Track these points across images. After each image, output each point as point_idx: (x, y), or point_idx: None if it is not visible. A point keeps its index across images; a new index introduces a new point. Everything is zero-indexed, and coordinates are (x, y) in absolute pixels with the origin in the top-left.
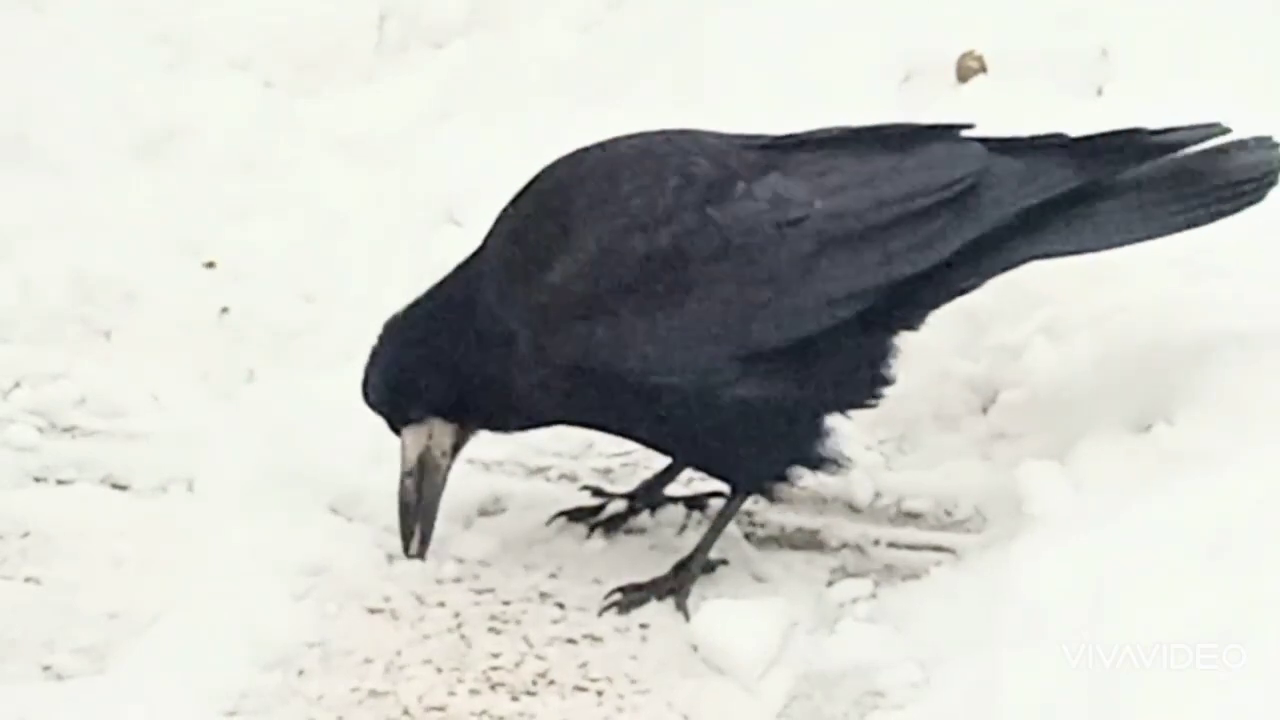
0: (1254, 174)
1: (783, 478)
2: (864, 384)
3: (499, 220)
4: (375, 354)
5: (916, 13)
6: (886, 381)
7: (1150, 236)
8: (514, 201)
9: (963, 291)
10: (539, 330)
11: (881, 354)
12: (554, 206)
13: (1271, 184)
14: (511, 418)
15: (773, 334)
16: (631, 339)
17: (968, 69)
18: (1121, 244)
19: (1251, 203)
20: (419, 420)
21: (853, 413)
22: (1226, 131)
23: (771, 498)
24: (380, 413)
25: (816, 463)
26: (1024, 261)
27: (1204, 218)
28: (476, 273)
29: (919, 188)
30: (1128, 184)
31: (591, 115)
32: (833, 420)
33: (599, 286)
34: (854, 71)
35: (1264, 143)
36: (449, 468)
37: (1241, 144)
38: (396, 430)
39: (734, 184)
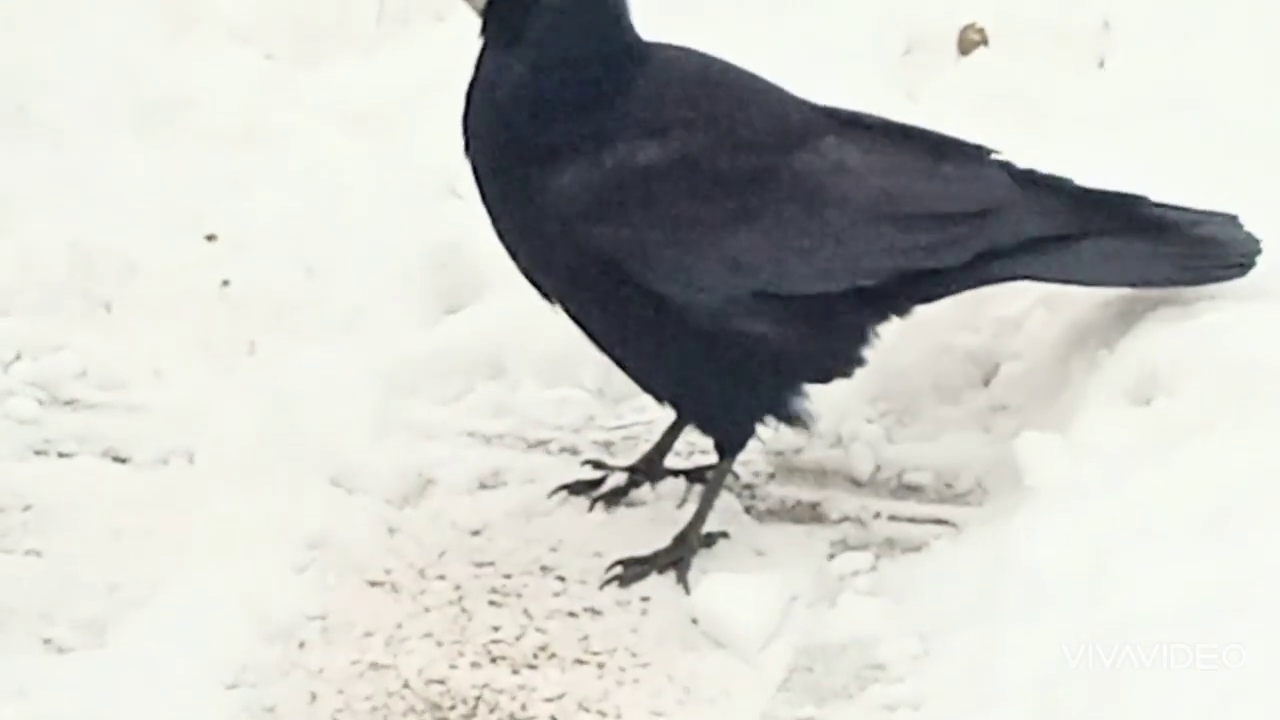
0: (1237, 256)
1: (752, 429)
2: (843, 357)
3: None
4: None
5: None
6: (861, 361)
7: (1134, 284)
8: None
9: (948, 295)
10: (600, 197)
11: (867, 334)
12: (671, 89)
13: (1250, 265)
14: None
15: (795, 284)
16: (682, 249)
17: (969, 41)
18: (1104, 285)
19: (1234, 277)
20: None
21: (816, 386)
22: (1234, 219)
23: (739, 448)
24: None
25: (788, 418)
26: (1012, 280)
27: (1189, 280)
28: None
29: (953, 195)
30: (1124, 231)
31: None
32: (807, 383)
33: (671, 186)
34: (855, 43)
35: (1233, 222)
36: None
37: (1214, 221)
38: None
39: (810, 137)
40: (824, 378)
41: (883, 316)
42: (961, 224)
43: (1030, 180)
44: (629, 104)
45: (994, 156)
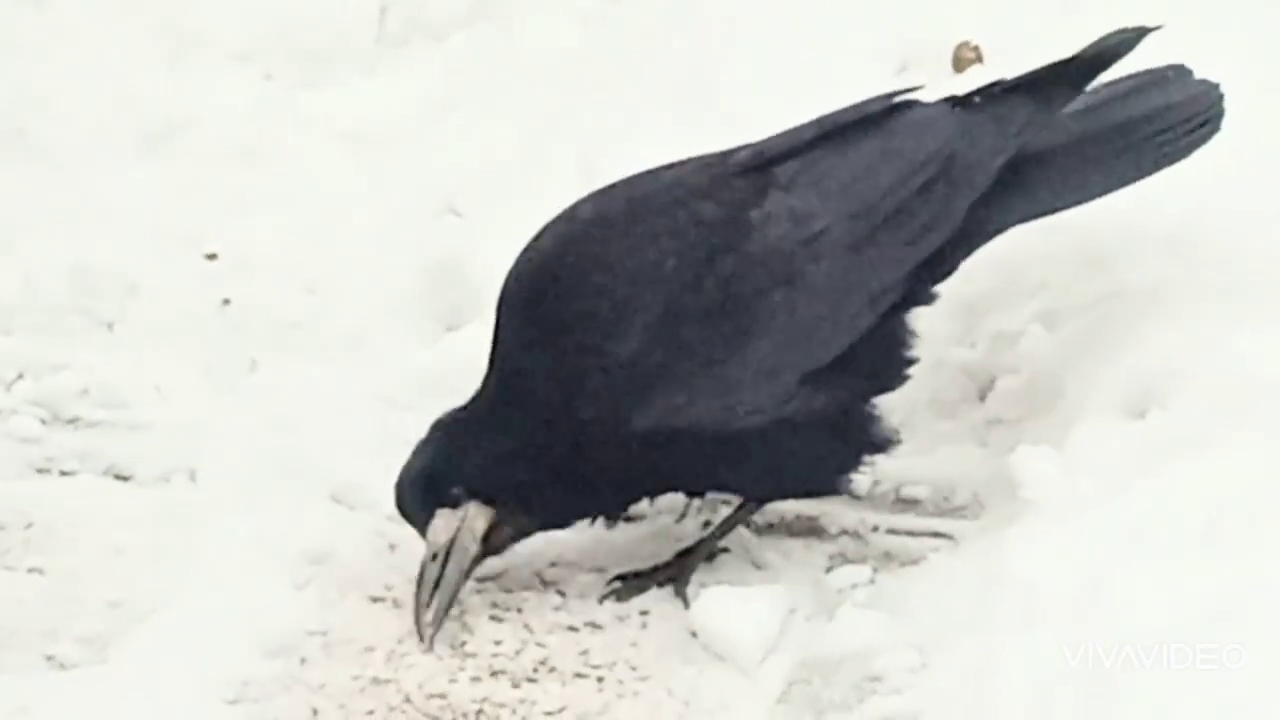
0: (1204, 112)
1: (859, 469)
2: (896, 367)
3: (508, 308)
4: (410, 460)
5: (912, 3)
6: (913, 361)
7: (1130, 182)
8: (520, 284)
9: (959, 264)
10: (614, 408)
11: (906, 335)
12: (575, 282)
13: (1219, 115)
14: (562, 504)
15: (830, 347)
16: (711, 394)
17: (964, 59)
18: (1100, 195)
19: (1208, 137)
20: (453, 504)
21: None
22: (1182, 69)
23: (852, 492)
24: (415, 502)
25: (883, 446)
26: (1013, 225)
27: (1169, 159)
28: (510, 370)
29: (912, 166)
30: (1090, 138)
31: (592, 107)
32: (880, 402)
33: (669, 354)
34: (850, 62)
35: (1183, 73)
36: (478, 557)
37: (1165, 79)
38: (423, 525)
39: (747, 215)
40: (885, 391)
41: (912, 312)
42: (934, 189)
43: (971, 102)
44: (568, 323)
45: (916, 95)
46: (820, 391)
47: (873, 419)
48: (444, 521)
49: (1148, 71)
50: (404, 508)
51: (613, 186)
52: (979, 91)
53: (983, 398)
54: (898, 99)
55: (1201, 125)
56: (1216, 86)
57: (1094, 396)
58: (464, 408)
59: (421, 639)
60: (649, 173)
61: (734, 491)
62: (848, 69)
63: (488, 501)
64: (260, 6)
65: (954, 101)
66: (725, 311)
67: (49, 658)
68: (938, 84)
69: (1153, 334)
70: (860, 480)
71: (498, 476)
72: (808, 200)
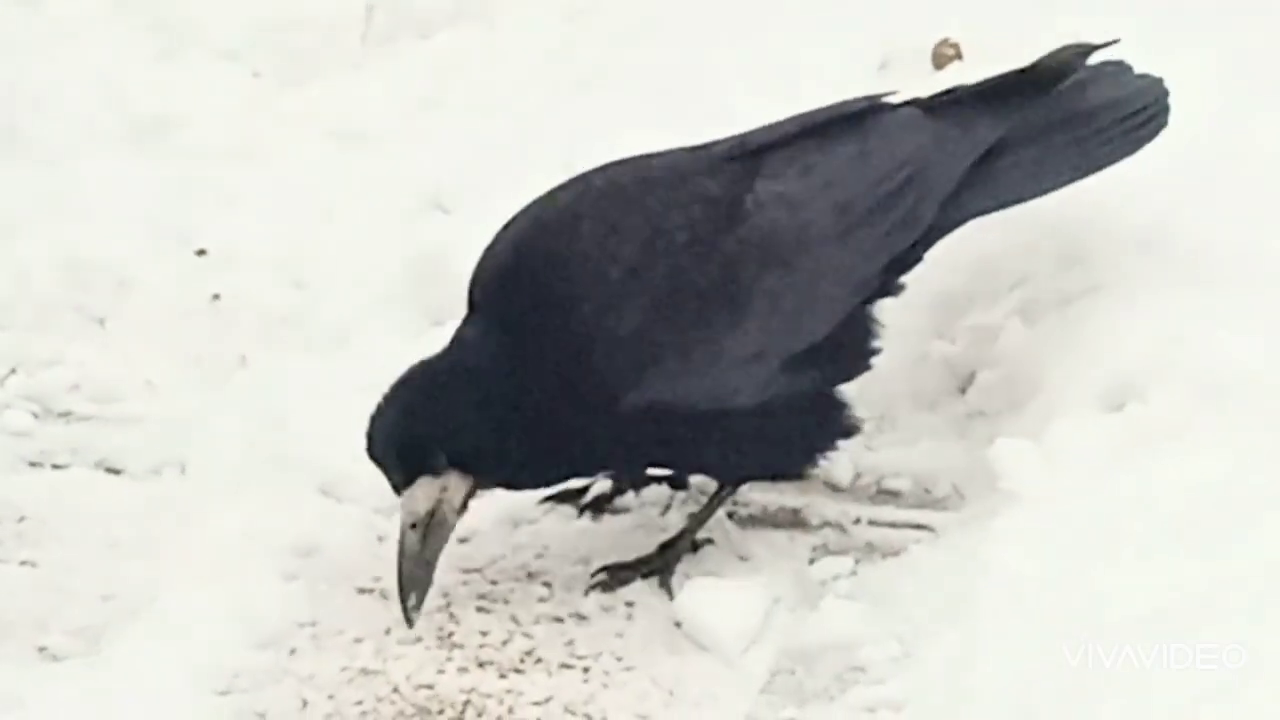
0: (1152, 108)
1: (829, 453)
2: (862, 355)
3: (492, 271)
4: (387, 406)
5: (893, 1)
6: (878, 351)
7: (1082, 175)
8: (502, 251)
9: (924, 255)
10: (611, 384)
11: (873, 325)
12: (574, 254)
13: (1165, 111)
14: (540, 471)
15: (811, 333)
16: (702, 375)
17: (943, 57)
18: (1055, 188)
19: (1159, 130)
20: (435, 472)
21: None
22: (1123, 65)
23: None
24: (393, 461)
25: (850, 431)
26: (971, 218)
27: (1123, 154)
28: (493, 326)
29: (891, 166)
30: (1044, 132)
31: (577, 104)
32: (845, 389)
33: (667, 331)
34: (830, 59)
35: (1124, 68)
36: (454, 527)
37: (1106, 75)
38: (400, 485)
39: (744, 198)
40: (850, 378)
41: (878, 302)
42: (908, 190)
43: (938, 107)
44: (576, 290)
45: (892, 99)
46: (798, 377)
47: (843, 405)
48: (424, 491)
49: (1089, 67)
50: (381, 459)
51: (618, 162)
52: (943, 95)
53: (963, 391)
54: (874, 102)
55: (1150, 120)
56: (1160, 81)
57: (1072, 390)
58: (442, 362)
59: (409, 623)
60: (643, 155)
61: (712, 471)
62: (829, 66)
63: (466, 470)
64: (248, 5)
65: (921, 105)
66: (723, 291)
67: (41, 649)
68: (917, 81)
69: (1130, 328)
70: (841, 469)
71: (484, 447)
72: (795, 191)
